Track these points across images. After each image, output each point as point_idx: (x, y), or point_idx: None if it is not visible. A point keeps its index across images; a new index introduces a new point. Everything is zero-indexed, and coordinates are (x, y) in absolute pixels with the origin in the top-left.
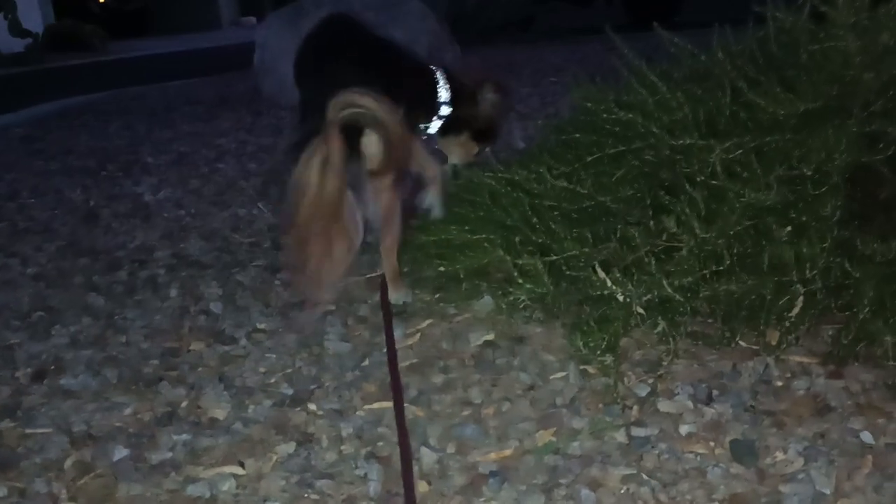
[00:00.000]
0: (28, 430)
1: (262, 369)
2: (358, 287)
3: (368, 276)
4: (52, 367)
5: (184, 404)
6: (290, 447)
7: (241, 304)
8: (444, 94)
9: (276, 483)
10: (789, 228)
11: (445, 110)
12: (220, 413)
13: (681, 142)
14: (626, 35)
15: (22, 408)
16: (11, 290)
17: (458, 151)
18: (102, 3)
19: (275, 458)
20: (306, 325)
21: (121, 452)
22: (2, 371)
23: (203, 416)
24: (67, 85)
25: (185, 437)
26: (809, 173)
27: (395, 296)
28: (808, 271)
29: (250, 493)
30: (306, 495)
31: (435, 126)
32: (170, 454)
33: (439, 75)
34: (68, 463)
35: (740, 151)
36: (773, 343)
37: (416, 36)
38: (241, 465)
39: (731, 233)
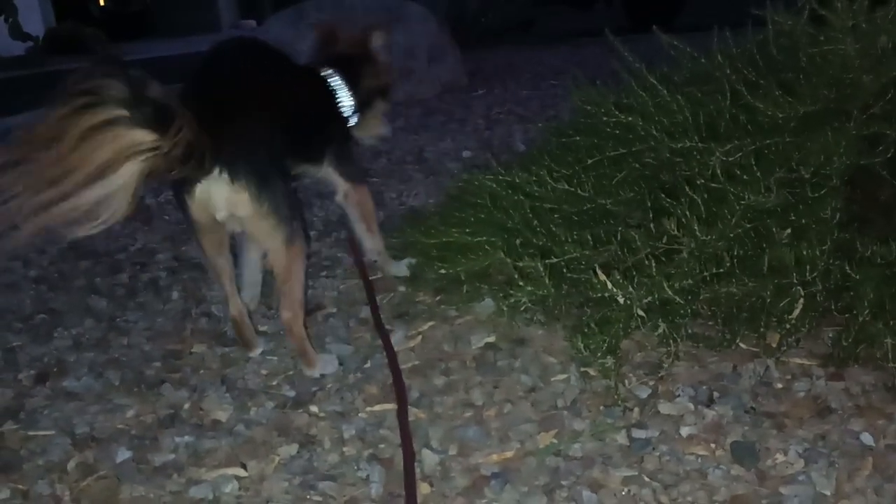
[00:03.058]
0: (31, 433)
1: (263, 371)
2: (359, 289)
3: (370, 278)
4: (55, 370)
5: (186, 406)
6: (292, 449)
7: None
8: (346, 101)
9: (278, 485)
10: (789, 231)
11: (355, 119)
12: (222, 415)
13: (681, 145)
14: (626, 38)
15: (25, 410)
16: (13, 293)
17: (373, 123)
18: (103, 5)
19: (277, 459)
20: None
21: (123, 454)
22: (4, 373)
23: (205, 418)
24: None
25: (187, 438)
26: (809, 176)
27: (311, 371)
28: (808, 273)
29: (253, 495)
30: (309, 497)
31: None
32: (172, 456)
33: (336, 83)
34: (71, 465)
35: (740, 154)
36: (774, 345)
37: (417, 39)
38: (244, 466)
39: (731, 235)
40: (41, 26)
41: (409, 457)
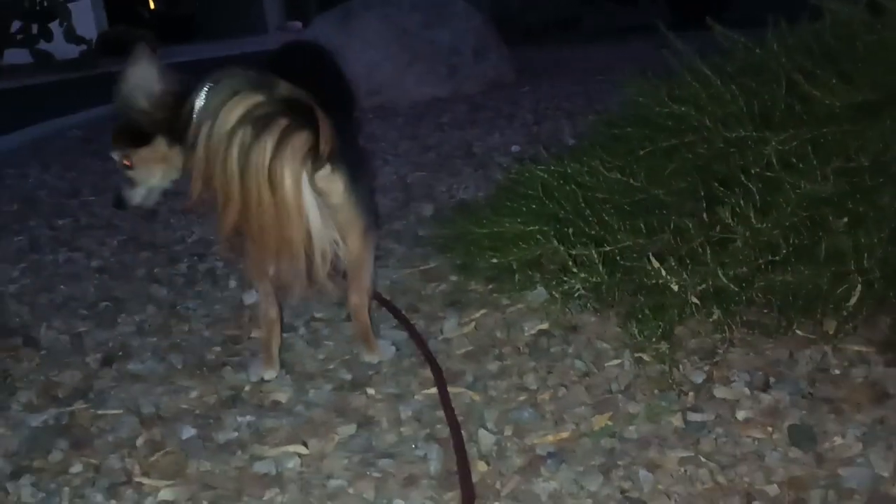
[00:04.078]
0: (100, 412)
1: (320, 356)
2: (411, 278)
3: (422, 268)
4: (120, 353)
5: (247, 388)
6: (351, 428)
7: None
8: None
9: (338, 462)
10: (846, 219)
11: None
12: (282, 396)
13: (735, 134)
14: (674, 33)
15: (93, 390)
16: (77, 282)
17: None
18: (153, 9)
19: (337, 438)
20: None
21: (189, 432)
22: (73, 356)
23: (266, 399)
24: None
25: (249, 418)
26: (867, 164)
27: (371, 356)
28: (865, 261)
29: (314, 471)
30: (368, 473)
31: None
32: (235, 434)
33: None
34: (139, 441)
35: (796, 143)
36: (831, 332)
37: (462, 36)
38: (305, 444)
39: (787, 224)
40: (94, 30)
41: (457, 432)
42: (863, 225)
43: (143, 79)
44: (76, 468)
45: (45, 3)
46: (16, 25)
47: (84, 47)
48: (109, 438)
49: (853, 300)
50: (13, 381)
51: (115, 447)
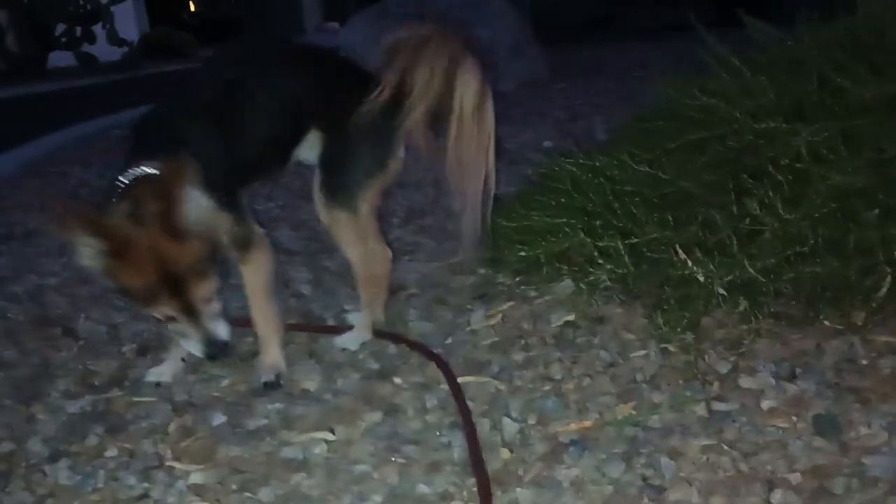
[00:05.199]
0: (135, 399)
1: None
2: (439, 271)
3: (451, 261)
4: (154, 344)
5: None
6: (377, 416)
7: (329, 288)
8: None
9: (364, 448)
10: (876, 211)
11: None
12: (311, 385)
13: (765, 126)
14: (716, 31)
15: (128, 379)
16: None
17: None
18: (193, 11)
19: (363, 425)
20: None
21: (219, 419)
22: (110, 346)
23: (295, 387)
24: (162, 89)
25: (278, 405)
26: None
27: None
28: (895, 253)
29: (341, 457)
30: (393, 459)
31: None
32: (265, 421)
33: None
34: (172, 427)
35: (826, 135)
36: (859, 323)
37: (498, 33)
38: (332, 431)
39: (816, 215)
40: (136, 32)
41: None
42: (893, 217)
43: (199, 209)
44: (111, 452)
45: (89, 7)
46: (59, 28)
47: (126, 49)
48: (143, 424)
49: (882, 291)
50: (52, 370)
51: (148, 433)
